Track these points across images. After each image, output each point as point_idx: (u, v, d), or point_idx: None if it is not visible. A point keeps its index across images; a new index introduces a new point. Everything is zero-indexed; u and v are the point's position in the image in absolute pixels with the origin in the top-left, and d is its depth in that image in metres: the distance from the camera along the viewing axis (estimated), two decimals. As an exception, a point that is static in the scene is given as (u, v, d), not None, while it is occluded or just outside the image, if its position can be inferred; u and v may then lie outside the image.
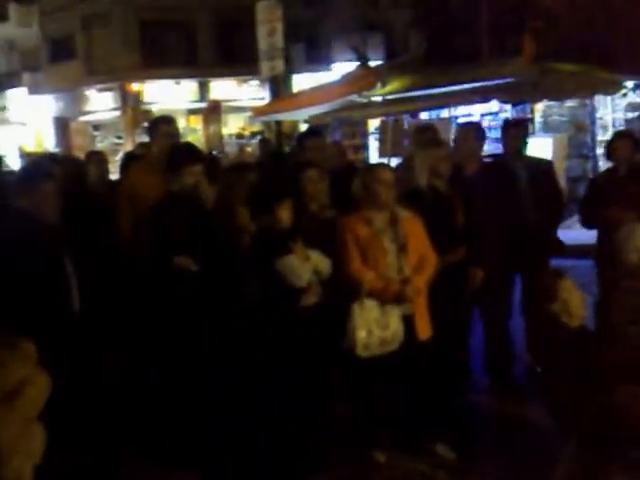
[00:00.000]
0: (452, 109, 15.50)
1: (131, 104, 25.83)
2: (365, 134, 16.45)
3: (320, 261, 5.31)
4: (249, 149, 20.45)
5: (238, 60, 22.52)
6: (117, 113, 27.74)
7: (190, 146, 6.83)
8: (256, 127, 22.42)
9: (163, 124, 6.57)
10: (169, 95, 25.56)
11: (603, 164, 15.95)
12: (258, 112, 19.18)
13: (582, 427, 4.33)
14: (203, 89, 25.15)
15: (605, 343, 4.48)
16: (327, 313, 5.28)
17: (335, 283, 5.35)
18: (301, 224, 5.45)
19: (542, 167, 7.36)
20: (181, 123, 23.59)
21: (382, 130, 15.53)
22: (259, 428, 5.34)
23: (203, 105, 23.94)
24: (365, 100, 16.21)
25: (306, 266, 5.22)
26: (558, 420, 4.61)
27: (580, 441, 4.36)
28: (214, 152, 15.64)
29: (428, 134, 7.51)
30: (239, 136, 23.43)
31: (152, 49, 26.36)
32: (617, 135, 7.76)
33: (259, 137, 20.41)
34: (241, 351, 5.34)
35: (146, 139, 8.22)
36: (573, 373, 4.35)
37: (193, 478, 5.21)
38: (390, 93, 16.00)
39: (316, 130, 9.06)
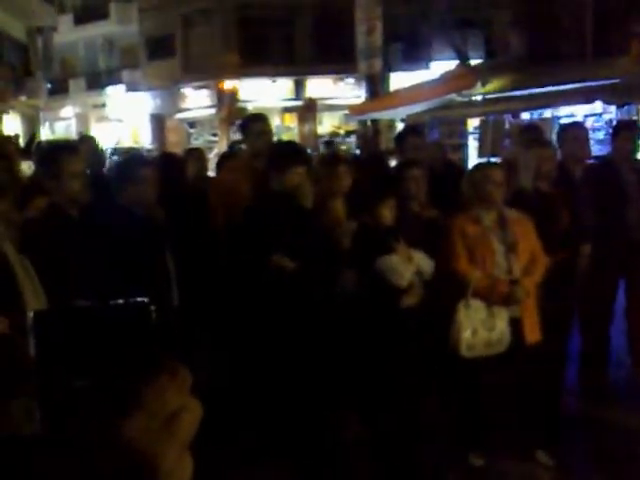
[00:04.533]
0: (555, 110, 15.26)
1: (227, 102, 26.09)
2: (463, 133, 16.28)
3: (423, 261, 5.22)
4: (344, 147, 20.43)
5: (334, 58, 22.57)
6: (212, 111, 28.08)
7: (295, 146, 6.82)
8: (351, 126, 22.38)
9: (256, 122, 6.55)
10: (265, 93, 25.77)
11: None
12: (355, 110, 19.17)
13: None
14: (299, 87, 25.27)
15: None
16: (429, 313, 5.18)
17: (437, 284, 5.26)
18: (403, 223, 5.38)
19: None
20: (276, 121, 23.78)
21: (482, 130, 15.32)
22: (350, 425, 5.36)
23: (298, 103, 24.03)
24: (465, 99, 16.08)
25: (408, 266, 5.14)
26: None
27: None
28: (309, 151, 15.65)
29: (532, 134, 7.39)
30: (334, 134, 23.42)
31: (250, 47, 26.60)
32: None
33: (354, 135, 20.45)
34: (337, 349, 5.26)
35: (240, 137, 8.26)
36: None
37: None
38: (490, 92, 15.85)
39: (415, 129, 8.95)
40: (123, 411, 0.72)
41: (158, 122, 27.34)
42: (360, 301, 5.21)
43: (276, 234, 5.37)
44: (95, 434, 0.71)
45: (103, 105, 35.38)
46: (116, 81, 35.10)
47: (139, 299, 0.78)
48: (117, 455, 0.71)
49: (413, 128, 9.42)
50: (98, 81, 36.37)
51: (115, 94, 34.82)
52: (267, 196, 5.62)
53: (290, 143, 8.00)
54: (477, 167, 6.09)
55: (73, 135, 28.71)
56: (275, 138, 8.03)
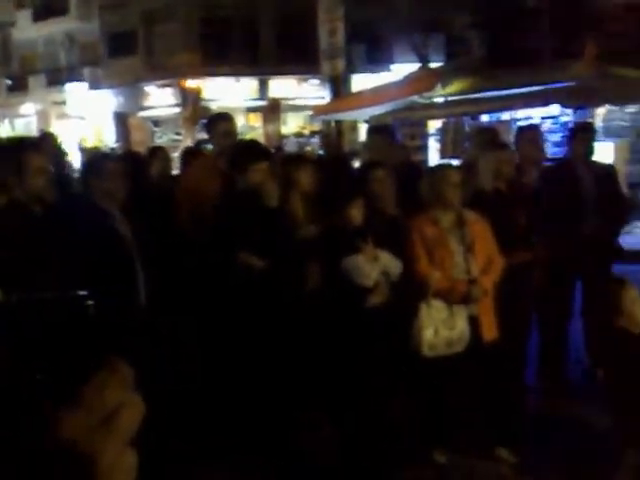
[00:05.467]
0: (513, 112, 15.49)
1: (191, 101, 26.10)
2: (425, 135, 16.49)
3: (390, 262, 5.31)
4: (309, 148, 20.58)
5: (298, 59, 22.69)
6: (177, 109, 28.04)
7: (255, 143, 6.84)
8: (316, 126, 22.52)
9: (221, 122, 6.56)
10: (229, 92, 25.81)
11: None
12: (318, 111, 19.30)
13: None
14: (263, 87, 25.35)
15: None
16: (394, 313, 5.28)
17: (405, 284, 5.36)
18: (371, 224, 5.47)
19: (606, 172, 7.41)
20: (240, 121, 23.77)
21: (443, 131, 15.58)
22: (320, 425, 5.43)
23: (263, 103, 24.12)
24: (426, 101, 16.26)
25: (374, 266, 5.22)
26: (620, 427, 4.63)
27: None
28: (273, 150, 15.78)
29: (489, 136, 7.58)
30: (298, 135, 23.55)
31: (213, 46, 26.57)
32: None
33: (319, 135, 20.60)
34: (304, 348, 5.35)
35: (205, 136, 8.30)
36: (636, 380, 4.39)
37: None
38: (451, 94, 16.04)
39: (382, 129, 9.05)
40: (61, 408, 0.71)
41: (121, 120, 27.30)
42: (327, 300, 5.30)
43: (242, 232, 5.44)
44: (34, 431, 0.71)
45: (64, 102, 35.09)
46: (77, 78, 34.81)
47: (78, 292, 0.76)
48: (55, 452, 0.70)
49: (379, 128, 9.49)
50: (58, 78, 35.99)
51: (76, 91, 34.54)
52: (232, 195, 5.67)
53: (251, 141, 8.00)
54: (435, 169, 6.26)
55: (34, 132, 28.50)
56: (240, 138, 8.07)
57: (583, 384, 6.71)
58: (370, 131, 8.47)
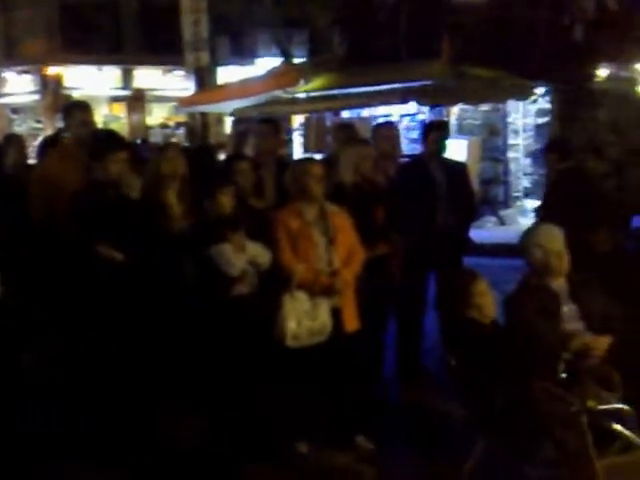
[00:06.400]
0: (373, 109, 15.93)
1: (51, 88, 25.52)
2: (289, 130, 16.79)
3: (259, 253, 5.39)
4: (174, 139, 20.57)
5: (163, 49, 22.48)
6: (37, 97, 27.32)
7: (113, 133, 6.68)
8: (181, 117, 22.46)
9: (77, 110, 6.41)
10: (92, 81, 25.32)
11: (514, 167, 16.74)
12: (184, 103, 19.26)
13: (493, 421, 4.60)
14: (127, 77, 24.99)
15: (516, 340, 4.75)
16: (261, 304, 5.33)
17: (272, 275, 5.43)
18: (242, 215, 5.53)
19: (457, 169, 7.66)
20: (104, 110, 23.46)
21: (306, 126, 15.95)
22: (185, 415, 5.42)
23: (127, 93, 23.87)
24: (289, 96, 16.53)
25: (241, 255, 5.27)
26: (471, 413, 4.91)
27: (491, 435, 4.67)
28: (138, 141, 15.79)
29: (347, 132, 7.75)
30: (164, 126, 23.44)
31: (74, 33, 25.99)
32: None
33: (185, 127, 20.58)
34: (169, 336, 5.40)
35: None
36: (486, 368, 4.63)
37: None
38: (313, 90, 16.34)
39: (269, 119, 8.91)
40: None
41: (-22, 107, 26.40)
42: (195, 289, 5.34)
43: (100, 224, 5.36)
44: None
45: None
46: None
47: None
48: None
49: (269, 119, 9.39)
50: None
51: None
52: (90, 185, 5.59)
53: (109, 131, 7.87)
54: (298, 163, 6.24)
55: None
56: (97, 127, 7.89)
57: (437, 373, 6.73)
58: (257, 120, 8.49)
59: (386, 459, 5.54)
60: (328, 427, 5.58)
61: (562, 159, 7.79)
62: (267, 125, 7.50)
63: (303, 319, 5.29)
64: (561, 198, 7.30)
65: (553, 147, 8.35)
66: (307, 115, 16.37)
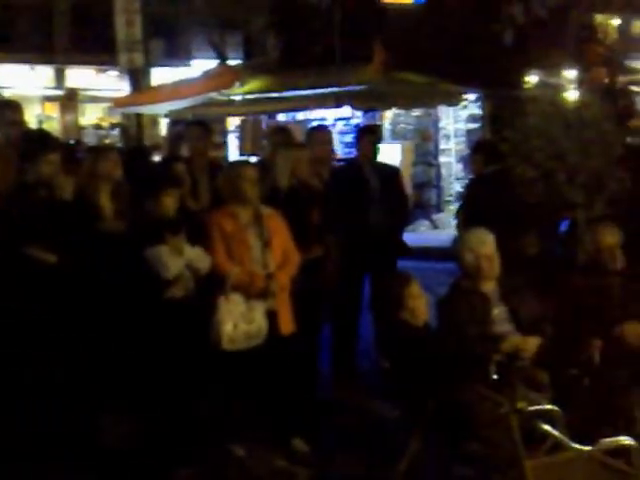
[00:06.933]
0: (308, 112, 16.00)
1: (-20, 87, 25.03)
2: (224, 132, 16.77)
3: (198, 257, 5.34)
4: (107, 140, 20.37)
5: (97, 49, 22.23)
6: (-35, 95, 26.77)
7: (45, 134, 6.63)
8: (115, 118, 22.23)
9: (7, 110, 6.35)
10: (23, 80, 24.92)
11: (446, 172, 16.99)
12: (118, 103, 19.06)
13: (426, 422, 4.69)
14: (60, 76, 24.62)
15: (447, 342, 4.85)
16: (196, 307, 5.31)
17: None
18: (183, 218, 5.50)
19: (391, 173, 7.78)
20: (36, 110, 23.08)
21: (242, 129, 15.94)
22: (117, 420, 5.43)
23: (60, 93, 23.52)
24: (225, 98, 16.51)
25: (177, 258, 5.22)
26: (404, 415, 5.02)
27: (423, 436, 4.75)
28: (71, 141, 15.58)
29: (283, 135, 7.73)
30: (97, 127, 23.17)
31: (5, 31, 25.58)
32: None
33: (119, 128, 20.36)
34: (103, 336, 5.39)
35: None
36: (418, 370, 4.71)
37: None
38: (248, 93, 16.35)
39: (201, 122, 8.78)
40: None
41: None
42: (131, 291, 5.27)
43: (32, 226, 5.28)
44: None
45: None
46: None
47: None
48: None
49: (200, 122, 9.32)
50: None
51: None
52: (21, 187, 5.51)
53: (41, 132, 7.77)
54: (232, 166, 6.32)
55: None
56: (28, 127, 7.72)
57: (372, 375, 6.71)
58: (178, 123, 8.44)
59: (321, 460, 5.57)
60: (264, 429, 5.60)
61: (487, 161, 7.76)
62: (197, 127, 7.52)
63: (239, 322, 5.28)
64: (483, 201, 7.33)
65: (479, 148, 8.37)
66: (243, 118, 16.36)
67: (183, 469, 5.29)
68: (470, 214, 7.43)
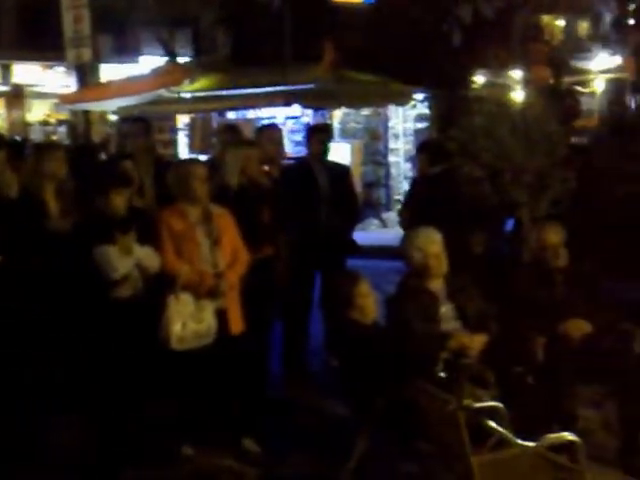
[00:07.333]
0: (258, 110, 15.99)
1: None
2: (174, 129, 16.68)
3: (147, 256, 5.27)
4: (55, 137, 20.14)
5: (44, 45, 21.97)
6: None
7: None
8: (63, 115, 21.99)
9: None
10: (-32, 76, 24.57)
11: (395, 171, 17.10)
12: (66, 100, 18.88)
13: (374, 421, 4.73)
14: (5, 72, 24.29)
15: (395, 340, 4.89)
16: (144, 307, 5.25)
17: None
18: (136, 217, 5.41)
19: (341, 171, 7.80)
20: (-19, 106, 22.77)
21: (191, 127, 15.90)
22: (68, 421, 5.42)
23: (6, 89, 23.21)
24: (174, 95, 16.45)
25: (125, 258, 5.15)
26: (353, 413, 5.05)
27: (372, 434, 4.80)
28: (18, 138, 15.39)
29: (232, 133, 7.71)
30: (44, 123, 22.90)
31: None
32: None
33: (66, 125, 20.14)
34: (51, 336, 5.39)
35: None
36: (367, 368, 4.75)
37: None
38: (198, 90, 16.32)
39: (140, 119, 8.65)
40: None
41: None
42: (75, 289, 5.22)
43: None
44: None
45: None
46: None
47: None
48: None
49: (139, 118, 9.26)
50: None
51: None
52: None
53: None
54: (181, 163, 6.25)
55: None
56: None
57: (322, 373, 6.83)
58: (126, 120, 8.38)
59: (270, 459, 5.56)
60: (214, 429, 5.59)
61: (432, 161, 7.72)
62: (137, 124, 7.49)
63: (188, 321, 5.25)
64: (427, 201, 7.36)
65: (424, 148, 8.37)
66: (192, 115, 16.32)
67: (131, 469, 5.26)
68: (415, 213, 7.47)
